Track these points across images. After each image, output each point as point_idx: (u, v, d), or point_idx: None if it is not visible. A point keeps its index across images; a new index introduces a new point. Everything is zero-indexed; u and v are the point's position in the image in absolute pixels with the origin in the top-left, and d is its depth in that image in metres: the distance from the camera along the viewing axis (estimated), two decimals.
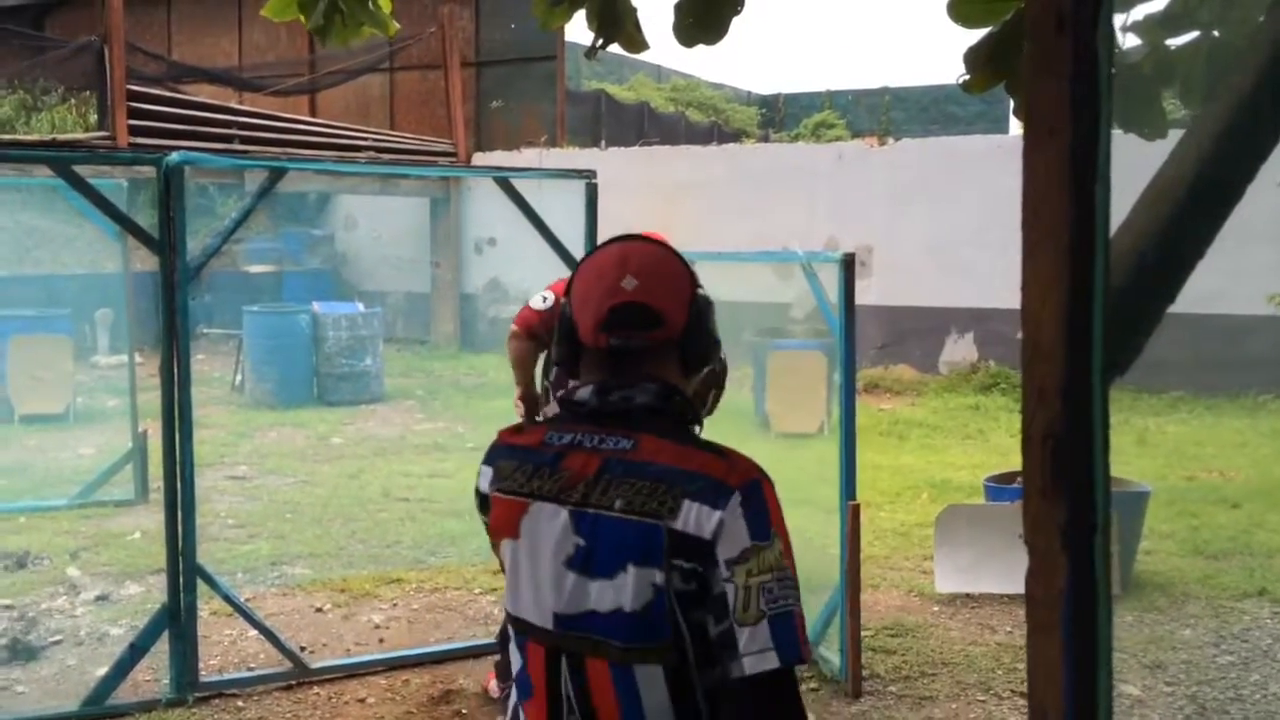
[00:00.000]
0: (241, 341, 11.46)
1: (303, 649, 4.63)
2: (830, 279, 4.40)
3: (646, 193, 12.85)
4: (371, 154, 14.13)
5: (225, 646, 4.75)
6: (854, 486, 4.33)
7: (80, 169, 4.35)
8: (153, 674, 4.31)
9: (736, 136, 20.73)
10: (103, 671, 4.19)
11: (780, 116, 26.21)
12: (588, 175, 4.97)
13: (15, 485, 7.60)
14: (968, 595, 5.29)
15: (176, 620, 4.15)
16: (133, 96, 12.55)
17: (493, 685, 4.21)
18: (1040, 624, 0.96)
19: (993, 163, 11.23)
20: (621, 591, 1.54)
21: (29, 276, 13.41)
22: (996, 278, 10.33)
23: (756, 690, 1.49)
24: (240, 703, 4.22)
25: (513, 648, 1.69)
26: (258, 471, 8.19)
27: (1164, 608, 5.31)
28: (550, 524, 1.60)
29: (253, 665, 4.56)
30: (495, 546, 1.70)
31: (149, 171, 4.21)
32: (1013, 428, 9.74)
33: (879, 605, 5.16)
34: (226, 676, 4.41)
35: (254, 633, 4.55)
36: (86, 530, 6.51)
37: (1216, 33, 2.52)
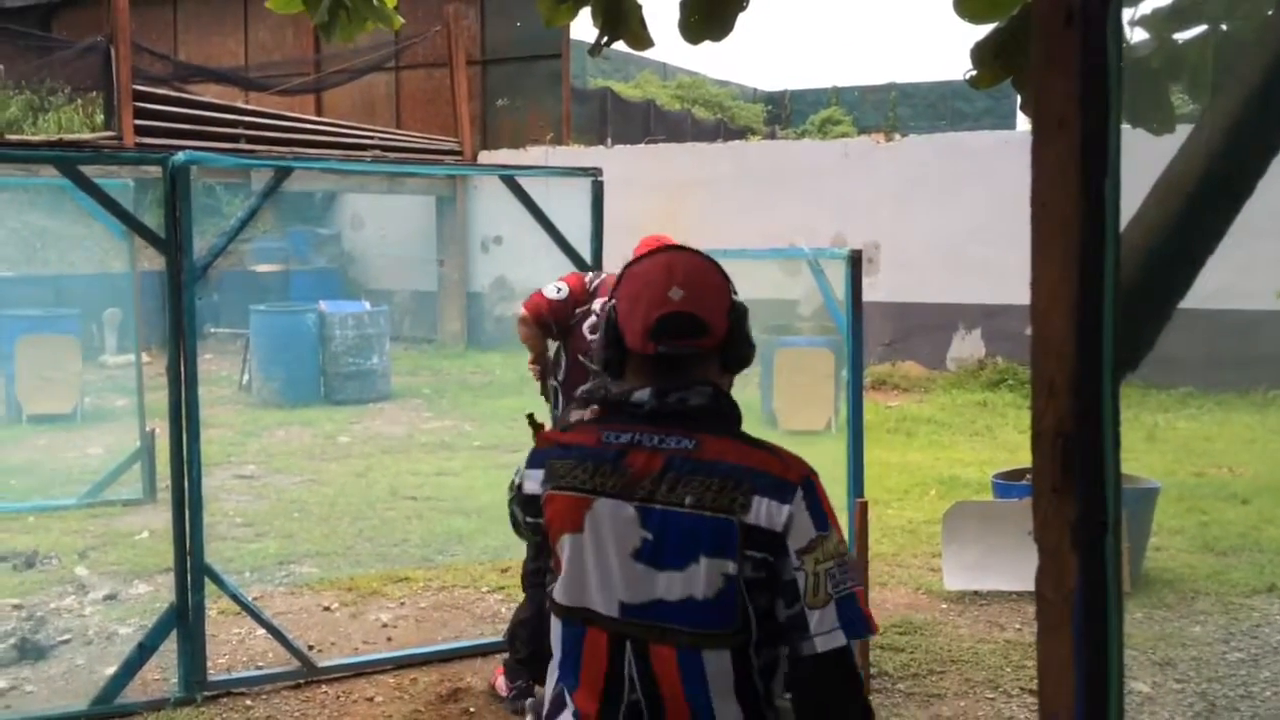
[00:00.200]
0: (248, 341, 11.48)
1: (310, 648, 4.64)
2: (837, 276, 4.39)
3: (652, 190, 12.84)
4: (377, 153, 14.14)
5: (233, 645, 4.76)
6: (861, 484, 4.32)
7: (87, 169, 4.36)
8: (161, 673, 4.31)
9: (742, 134, 20.70)
10: (111, 670, 4.19)
11: (786, 113, 26.18)
12: (594, 173, 4.96)
13: (24, 485, 7.62)
14: (976, 592, 5.27)
15: (185, 619, 4.16)
16: (139, 96, 12.57)
17: (500, 683, 4.21)
18: (1050, 623, 0.96)
19: (1000, 158, 11.19)
20: (692, 581, 1.66)
21: (37, 277, 13.44)
22: (1004, 274, 10.30)
23: (827, 665, 1.65)
24: (248, 701, 4.22)
25: (556, 637, 1.79)
26: (265, 470, 8.20)
27: (1173, 604, 5.29)
28: (615, 518, 1.71)
29: (261, 664, 4.56)
30: (551, 541, 1.80)
31: (155, 171, 4.22)
32: (1021, 424, 9.71)
33: (887, 603, 5.15)
34: (235, 675, 4.41)
35: (262, 631, 4.55)
36: (95, 530, 6.52)
37: (1224, 26, 2.51)
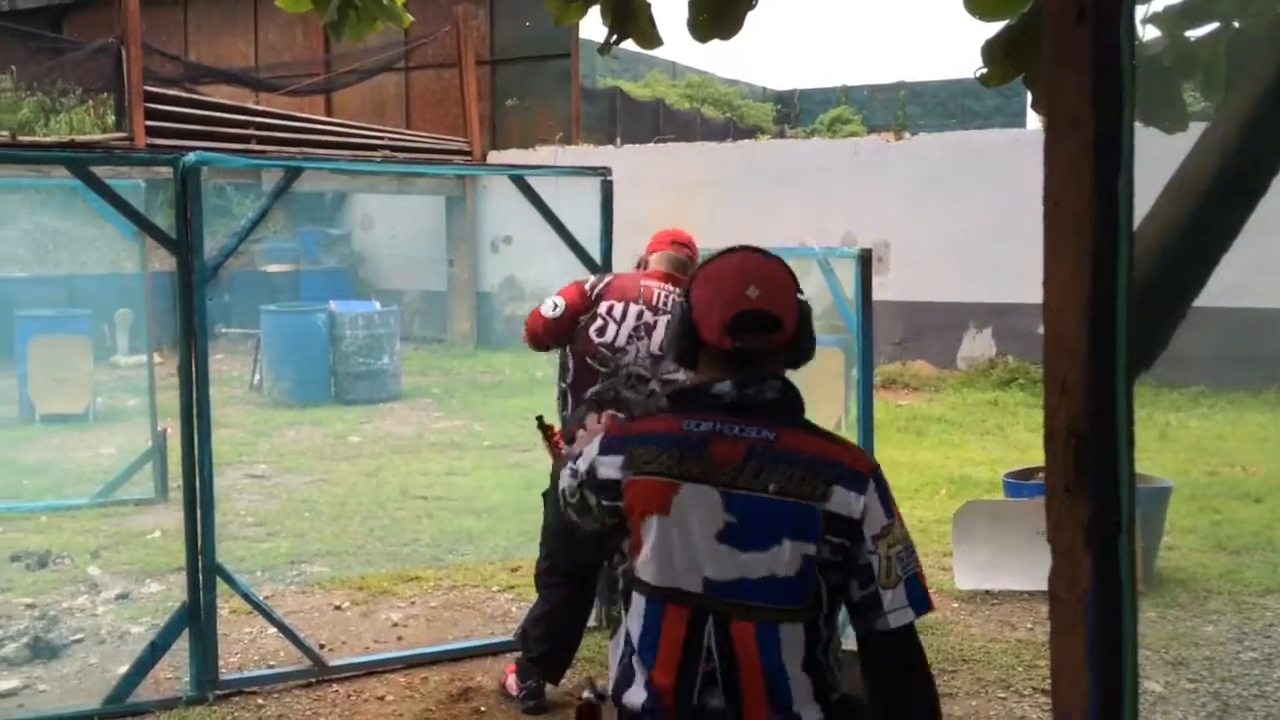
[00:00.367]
0: (259, 341, 11.51)
1: (322, 647, 4.65)
2: (847, 275, 4.38)
3: (662, 190, 12.83)
4: (387, 153, 14.16)
5: (245, 644, 4.77)
6: None
7: (98, 170, 4.36)
8: (173, 672, 4.32)
9: (751, 133, 20.68)
10: (124, 670, 4.21)
11: (795, 112, 26.14)
12: (603, 172, 4.96)
13: (37, 485, 7.65)
14: (987, 592, 5.26)
15: (196, 619, 4.17)
16: (150, 97, 12.61)
17: (511, 682, 4.21)
18: (1064, 624, 0.95)
19: (1010, 157, 11.15)
20: (775, 562, 1.82)
21: (49, 277, 13.50)
22: (1015, 272, 10.25)
23: (898, 639, 1.84)
24: (260, 700, 4.23)
25: (636, 613, 1.91)
26: (276, 470, 8.22)
27: (1186, 604, 5.27)
28: (701, 502, 1.85)
29: (272, 663, 4.57)
30: (633, 523, 1.92)
31: (167, 172, 4.23)
32: (1031, 423, 9.68)
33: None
34: (246, 674, 4.42)
35: (273, 631, 4.56)
36: (107, 529, 6.54)
37: (1237, 24, 2.49)
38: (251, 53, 18.21)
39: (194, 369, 4.11)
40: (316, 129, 14.76)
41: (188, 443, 4.13)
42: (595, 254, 4.89)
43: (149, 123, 12.36)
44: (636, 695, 1.90)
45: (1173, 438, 8.97)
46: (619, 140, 16.52)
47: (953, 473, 7.88)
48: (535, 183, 4.84)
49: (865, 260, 4.26)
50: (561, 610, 4.09)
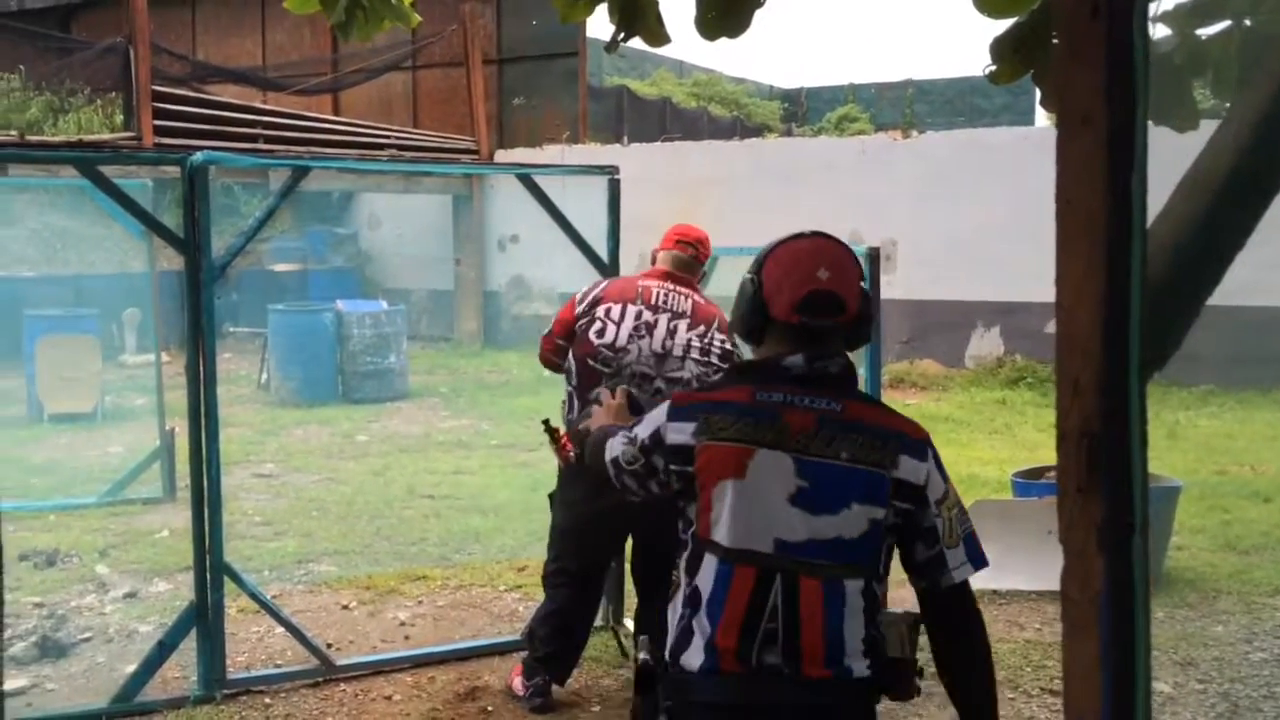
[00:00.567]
0: (267, 340, 11.52)
1: (329, 646, 4.64)
2: None
3: (669, 188, 12.83)
4: (394, 152, 14.17)
5: (253, 644, 4.77)
6: None
7: (106, 169, 4.37)
8: (181, 671, 4.33)
9: (759, 131, 20.65)
10: (132, 669, 4.21)
11: (803, 111, 26.11)
12: (610, 171, 4.95)
13: (45, 484, 7.67)
14: (995, 591, 5.24)
15: (204, 618, 4.17)
16: (158, 97, 12.63)
17: (517, 683, 4.20)
18: (1076, 625, 0.94)
19: (1019, 155, 11.13)
20: (844, 524, 1.96)
21: (57, 277, 13.53)
22: (1023, 271, 10.24)
23: (961, 593, 2.03)
24: (267, 699, 4.23)
25: (707, 574, 2.01)
26: (284, 469, 8.23)
27: (1195, 604, 5.25)
28: (775, 467, 1.98)
29: (280, 662, 4.57)
30: (704, 486, 2.02)
31: (174, 171, 4.23)
32: (1040, 422, 9.65)
33: (904, 602, 5.12)
34: (254, 673, 4.42)
35: (281, 630, 4.56)
36: (115, 528, 6.55)
37: (1248, 21, 2.48)
38: (259, 52, 18.24)
39: (202, 368, 4.11)
40: (324, 128, 14.77)
41: (195, 442, 4.13)
42: (602, 253, 4.88)
43: (157, 122, 12.38)
44: (694, 657, 2.00)
45: (1182, 437, 8.94)
46: (626, 139, 16.52)
47: (960, 472, 7.86)
48: (542, 181, 4.84)
49: (873, 259, 4.25)
50: (569, 610, 4.09)
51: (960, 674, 2.09)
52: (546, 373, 4.22)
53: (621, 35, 3.01)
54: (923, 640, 2.11)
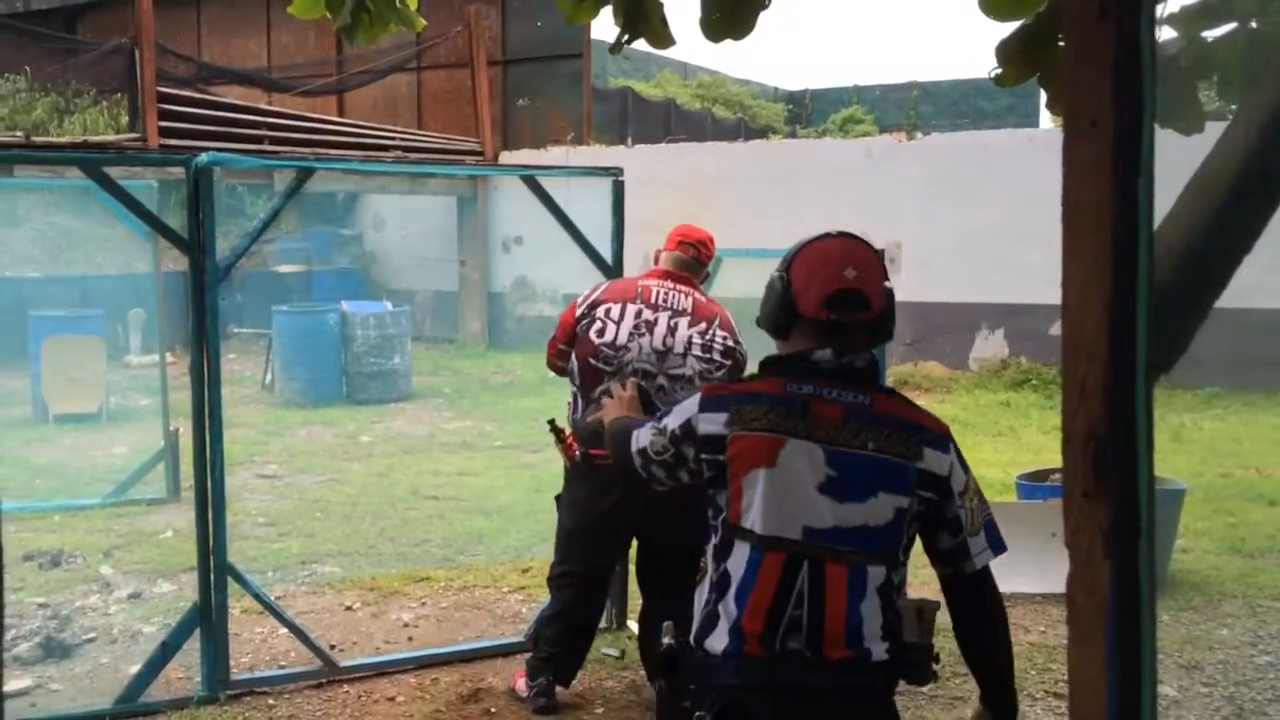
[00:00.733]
0: (271, 341, 11.53)
1: (332, 647, 4.64)
2: None
3: (674, 190, 12.82)
4: (399, 153, 14.18)
5: (256, 645, 4.77)
6: None
7: (112, 170, 4.37)
8: (185, 672, 4.33)
9: (763, 133, 20.64)
10: (135, 669, 4.21)
11: (807, 112, 26.09)
12: (614, 173, 4.95)
13: (49, 484, 7.68)
14: (1005, 607, 5.22)
15: (208, 619, 4.17)
16: (163, 98, 12.65)
17: (520, 684, 4.20)
18: (1082, 631, 0.93)
19: (1023, 157, 11.12)
20: (870, 512, 2.05)
21: (62, 277, 13.55)
22: (1027, 273, 10.23)
23: (983, 577, 2.16)
24: (271, 700, 4.23)
25: (739, 560, 2.09)
26: (288, 470, 8.24)
27: (1200, 607, 5.24)
28: (805, 457, 2.06)
29: (283, 663, 4.57)
30: (735, 474, 2.11)
31: (179, 172, 4.23)
32: (1044, 424, 9.64)
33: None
34: (257, 674, 4.42)
35: (284, 631, 4.56)
36: (119, 529, 6.56)
37: (1255, 24, 2.48)
38: (264, 53, 18.26)
39: (206, 369, 4.12)
40: (329, 129, 14.78)
41: (199, 443, 4.13)
42: (606, 254, 4.88)
43: (162, 123, 12.40)
44: (719, 640, 2.08)
45: (1187, 439, 8.92)
46: (630, 140, 16.51)
47: None
48: (547, 183, 4.83)
49: (885, 255, 4.24)
50: (574, 611, 4.09)
51: (984, 650, 2.21)
52: (550, 374, 4.23)
53: (626, 37, 3.00)
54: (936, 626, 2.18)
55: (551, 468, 5.87)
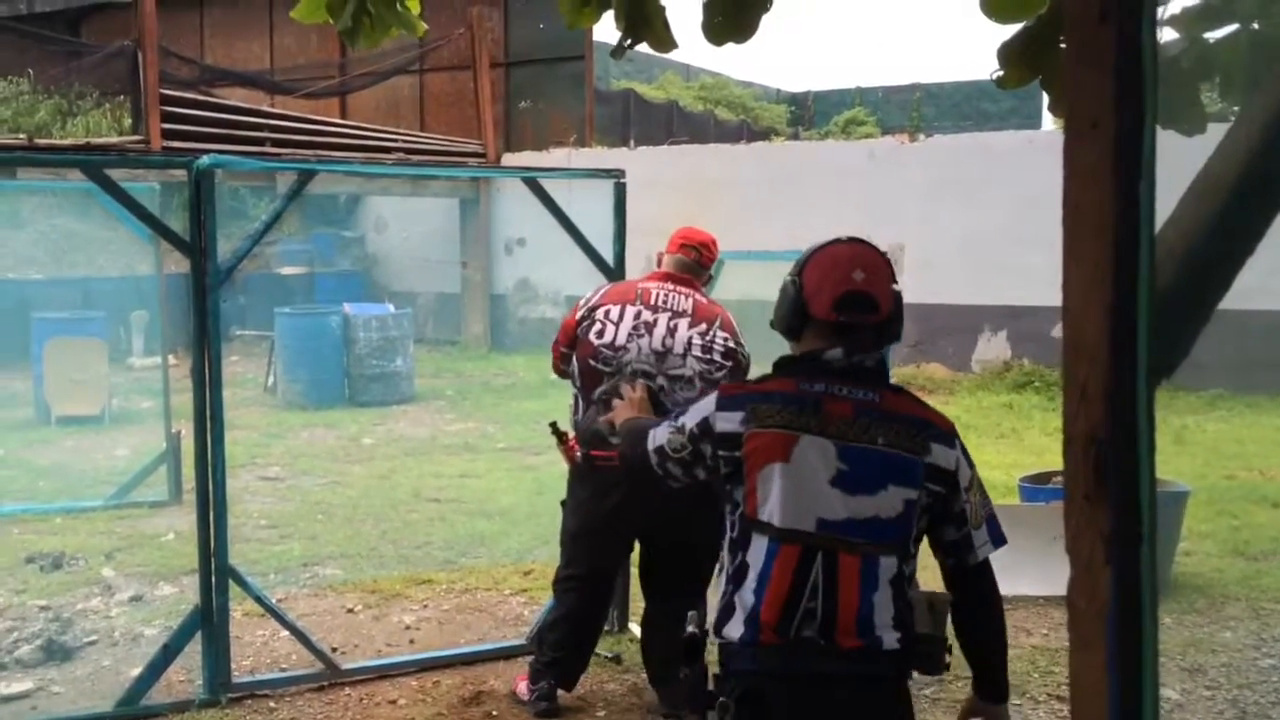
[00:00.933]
0: (273, 343, 11.53)
1: (334, 650, 4.64)
2: None
3: (676, 192, 12.81)
4: (401, 155, 14.18)
5: (258, 647, 4.77)
6: None
7: (115, 173, 4.37)
8: (186, 674, 4.33)
9: (766, 135, 20.63)
10: (137, 672, 4.21)
11: (810, 114, 26.08)
12: (616, 175, 4.95)
13: (52, 487, 7.68)
14: (1002, 597, 5.22)
15: (209, 621, 4.17)
16: (166, 100, 12.66)
17: (522, 688, 4.19)
18: (1083, 638, 0.93)
19: (1026, 159, 11.10)
20: (880, 504, 2.14)
21: (65, 279, 13.56)
22: (1030, 275, 10.22)
23: (984, 569, 2.27)
24: (272, 703, 4.23)
25: (752, 552, 2.19)
26: (290, 472, 8.24)
27: (1203, 610, 5.23)
28: (818, 452, 2.16)
29: (285, 666, 4.57)
30: (750, 470, 2.20)
31: (182, 175, 4.23)
32: (1047, 427, 9.62)
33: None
34: (259, 677, 4.42)
35: (286, 633, 4.56)
36: (121, 531, 6.56)
37: (1257, 25, 2.47)
38: (267, 56, 18.27)
39: (207, 371, 4.11)
40: (331, 131, 14.79)
41: (200, 445, 4.13)
42: (608, 256, 4.88)
43: (165, 125, 12.41)
44: (735, 629, 2.18)
45: (1190, 441, 8.91)
46: (633, 142, 16.51)
47: None
48: (549, 185, 4.83)
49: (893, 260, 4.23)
50: (578, 615, 4.09)
51: (981, 638, 2.32)
52: (553, 376, 4.24)
53: (628, 41, 3.00)
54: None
55: (554, 470, 5.86)
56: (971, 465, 2.26)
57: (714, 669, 2.31)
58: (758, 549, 2.18)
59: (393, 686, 4.38)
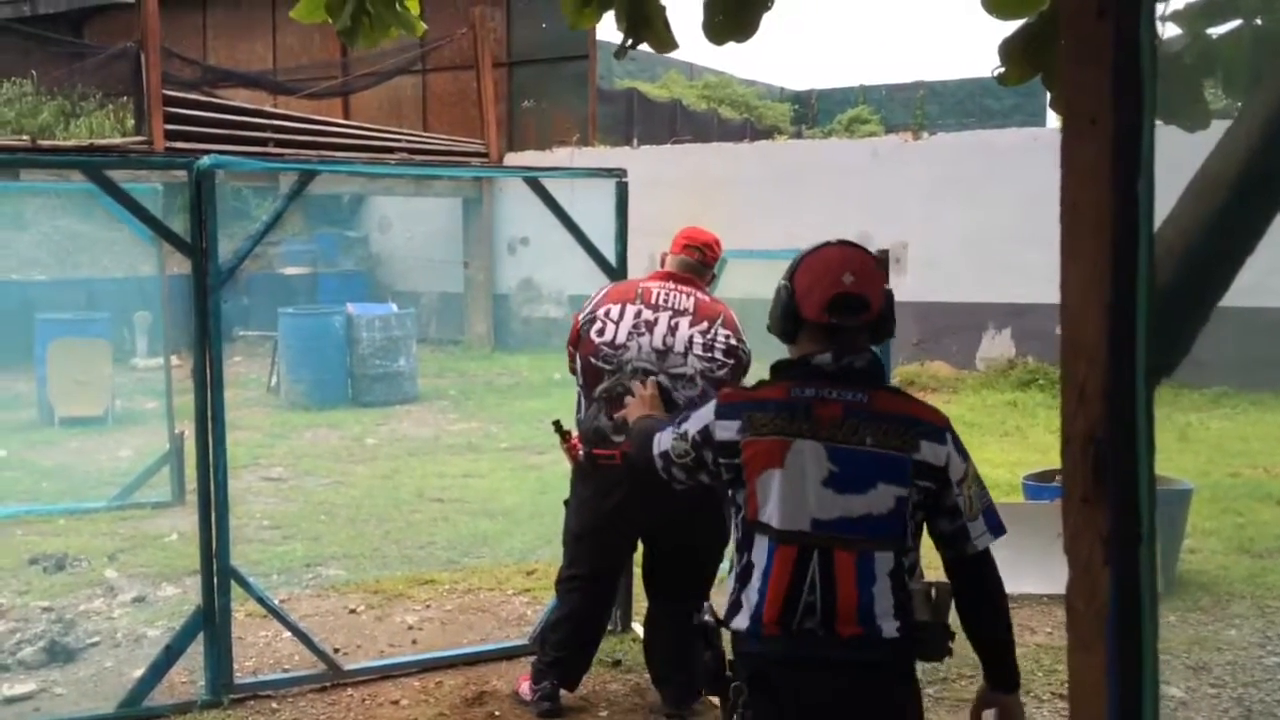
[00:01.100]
0: (276, 343, 11.54)
1: (336, 650, 4.64)
2: None
3: (679, 191, 12.80)
4: (404, 155, 14.18)
5: (260, 648, 4.76)
6: None
7: (118, 174, 4.37)
8: (188, 676, 4.32)
9: (769, 133, 20.61)
10: (139, 673, 4.21)
11: (813, 112, 26.05)
12: (618, 174, 4.93)
13: (55, 488, 7.69)
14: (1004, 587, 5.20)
15: (211, 622, 4.17)
16: (169, 101, 12.67)
17: (524, 687, 4.19)
18: (1082, 640, 0.92)
19: (1029, 156, 11.07)
20: (872, 502, 2.21)
21: (69, 280, 13.58)
22: (1034, 272, 10.17)
23: (983, 559, 2.32)
24: (275, 704, 4.23)
25: (755, 552, 2.28)
26: (293, 473, 8.24)
27: (1208, 607, 5.21)
28: (809, 455, 2.23)
29: (287, 667, 4.56)
30: (750, 475, 2.28)
31: (184, 176, 4.22)
32: (1052, 425, 9.58)
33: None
34: (261, 678, 4.41)
35: (288, 634, 4.55)
36: (124, 532, 6.56)
37: (1259, 20, 2.46)
38: (270, 56, 18.28)
39: (208, 372, 4.11)
40: (334, 132, 14.79)
41: (202, 446, 4.13)
42: (611, 256, 4.87)
43: (168, 126, 12.42)
44: (742, 621, 2.28)
45: (1194, 439, 8.88)
46: (636, 141, 16.50)
47: None
48: (553, 184, 4.82)
49: (882, 262, 4.22)
50: (581, 615, 4.08)
51: (986, 627, 2.37)
52: (556, 375, 4.25)
53: (629, 42, 2.99)
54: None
55: (557, 469, 5.85)
56: (966, 458, 2.30)
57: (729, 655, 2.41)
58: (759, 549, 2.27)
59: (395, 687, 4.37)
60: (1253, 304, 8.51)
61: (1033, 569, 5.06)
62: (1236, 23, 2.42)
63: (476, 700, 4.25)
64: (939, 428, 2.29)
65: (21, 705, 4.22)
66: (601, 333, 3.90)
